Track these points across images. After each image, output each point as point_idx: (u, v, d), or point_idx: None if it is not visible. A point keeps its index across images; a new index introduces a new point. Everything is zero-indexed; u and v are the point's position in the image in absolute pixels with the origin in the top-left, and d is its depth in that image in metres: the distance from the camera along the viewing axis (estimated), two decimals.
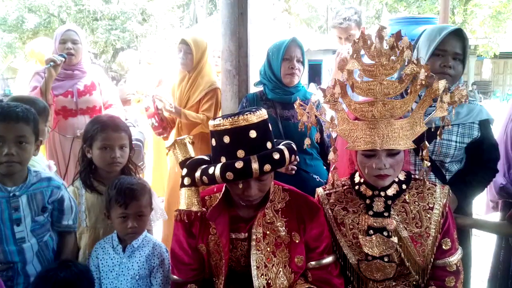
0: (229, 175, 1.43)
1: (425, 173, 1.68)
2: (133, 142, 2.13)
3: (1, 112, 1.62)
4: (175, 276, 1.73)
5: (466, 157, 2.02)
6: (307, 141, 1.69)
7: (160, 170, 4.55)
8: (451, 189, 1.76)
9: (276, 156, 1.46)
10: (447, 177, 1.99)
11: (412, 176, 1.75)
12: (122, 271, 1.79)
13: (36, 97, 2.43)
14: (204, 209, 1.63)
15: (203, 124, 2.92)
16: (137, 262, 1.81)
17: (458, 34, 1.89)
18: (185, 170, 1.62)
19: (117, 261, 1.80)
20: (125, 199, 1.77)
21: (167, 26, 17.63)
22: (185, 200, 1.59)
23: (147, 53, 4.87)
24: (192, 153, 1.74)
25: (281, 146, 1.52)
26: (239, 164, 1.42)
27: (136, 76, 4.88)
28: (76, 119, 3.02)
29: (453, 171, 2.01)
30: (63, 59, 2.82)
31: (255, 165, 1.42)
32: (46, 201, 1.74)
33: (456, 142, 1.92)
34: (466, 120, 1.93)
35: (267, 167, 1.43)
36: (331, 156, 1.67)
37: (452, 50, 1.89)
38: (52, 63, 2.74)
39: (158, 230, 3.11)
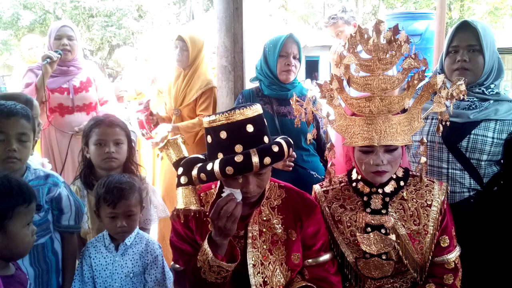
0: (229, 169, 1.40)
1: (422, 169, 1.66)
2: None
3: (3, 109, 1.59)
4: (177, 265, 1.70)
5: (504, 158, 1.89)
6: (309, 136, 1.67)
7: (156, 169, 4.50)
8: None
9: (276, 149, 1.44)
10: (484, 180, 1.88)
11: (410, 172, 1.73)
12: (115, 270, 1.77)
13: (20, 93, 2.38)
14: (202, 208, 1.60)
15: (203, 127, 2.88)
16: (131, 260, 1.79)
17: (466, 26, 1.84)
18: (180, 169, 1.59)
19: (110, 260, 1.78)
20: (113, 198, 1.73)
21: (163, 23, 17.56)
22: (183, 199, 1.55)
23: (145, 49, 4.82)
24: (185, 152, 1.71)
25: (278, 140, 1.50)
26: (238, 158, 1.40)
27: (131, 73, 4.84)
28: (73, 116, 2.98)
29: (491, 173, 1.89)
30: (59, 56, 2.81)
31: (255, 159, 1.39)
32: (42, 199, 1.70)
33: (492, 138, 1.83)
34: (505, 117, 1.84)
35: (267, 160, 1.41)
36: (327, 153, 1.65)
37: (463, 43, 1.83)
38: (48, 60, 2.72)
39: (154, 229, 3.08)
